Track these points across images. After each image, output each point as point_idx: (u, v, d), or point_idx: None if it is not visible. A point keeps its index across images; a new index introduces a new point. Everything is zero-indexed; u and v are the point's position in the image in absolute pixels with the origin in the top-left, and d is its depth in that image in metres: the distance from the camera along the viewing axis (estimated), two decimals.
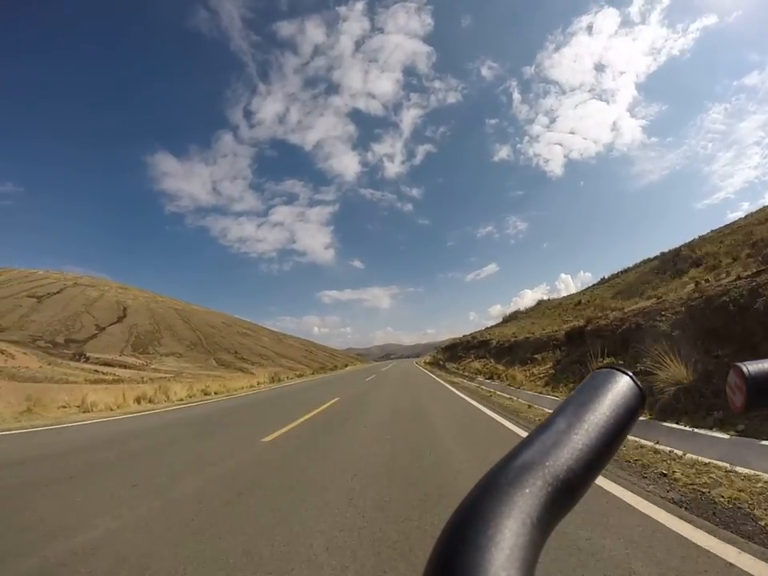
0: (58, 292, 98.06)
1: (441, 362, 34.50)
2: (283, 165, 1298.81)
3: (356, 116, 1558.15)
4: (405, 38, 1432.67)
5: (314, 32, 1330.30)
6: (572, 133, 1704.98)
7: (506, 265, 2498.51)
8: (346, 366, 59.28)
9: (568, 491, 0.34)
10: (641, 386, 0.42)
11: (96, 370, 36.58)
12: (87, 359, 55.23)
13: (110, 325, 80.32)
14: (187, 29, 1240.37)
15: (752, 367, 0.49)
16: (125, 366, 50.04)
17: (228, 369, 53.58)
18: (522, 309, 44.60)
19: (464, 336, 44.90)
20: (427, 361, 54.97)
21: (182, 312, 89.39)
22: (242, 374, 50.13)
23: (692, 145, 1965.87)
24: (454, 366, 26.20)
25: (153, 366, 52.37)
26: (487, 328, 46.74)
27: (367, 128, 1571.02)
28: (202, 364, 55.44)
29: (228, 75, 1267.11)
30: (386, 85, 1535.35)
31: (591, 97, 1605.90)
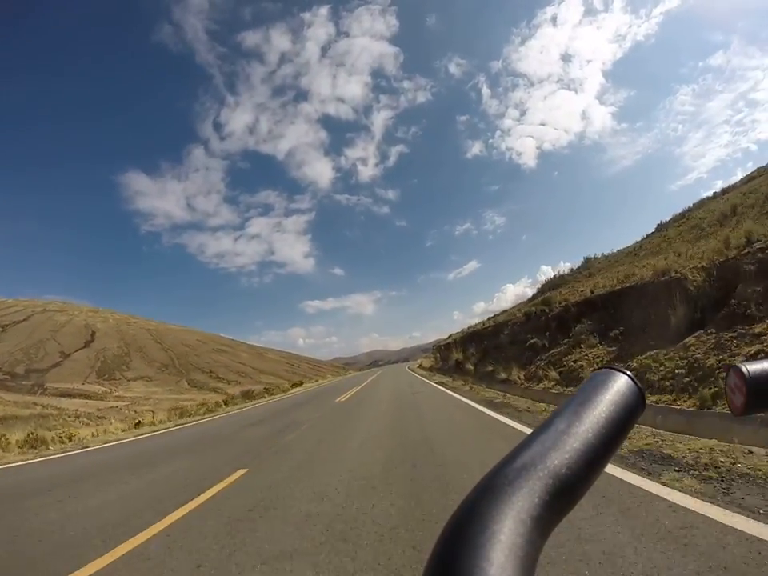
0: (24, 320, 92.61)
1: (450, 368, 24.23)
2: (256, 176, 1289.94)
3: (327, 121, 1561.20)
4: (371, 41, 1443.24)
5: (279, 40, 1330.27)
6: (543, 124, 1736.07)
7: (486, 261, 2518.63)
8: (318, 379, 55.44)
9: (568, 491, 0.33)
10: (640, 385, 0.41)
11: (35, 403, 32.22)
12: (45, 390, 50.72)
13: (76, 351, 75.30)
14: (152, 44, 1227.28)
15: (752, 368, 0.49)
16: (85, 396, 45.64)
17: (201, 390, 49.40)
18: (564, 272, 31.20)
19: (486, 321, 31.78)
20: (423, 365, 45.11)
21: (155, 332, 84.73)
22: (214, 395, 46.07)
23: (662, 128, 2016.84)
24: (502, 377, 14.10)
25: (116, 394, 47.94)
26: (527, 301, 30.45)
27: (339, 133, 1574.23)
28: (172, 387, 51.20)
29: (195, 88, 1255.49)
30: (354, 88, 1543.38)
31: (559, 87, 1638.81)
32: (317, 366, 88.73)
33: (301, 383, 45.13)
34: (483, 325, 28.29)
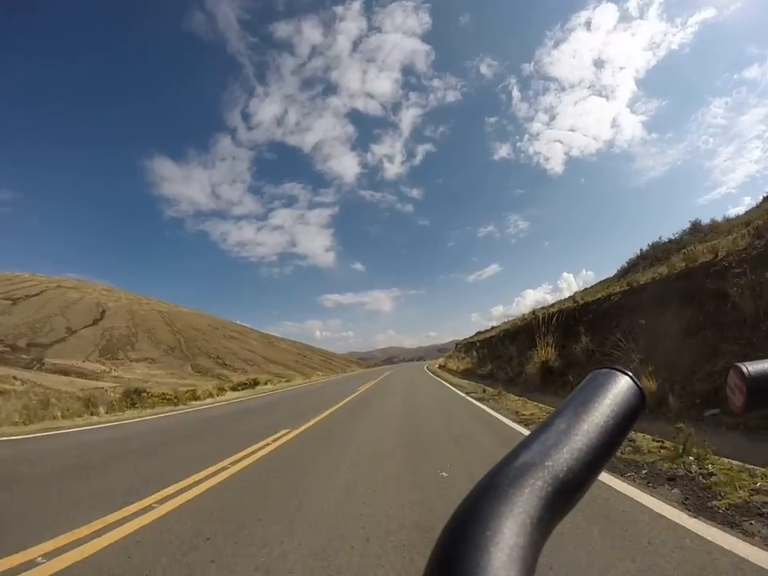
0: (36, 294, 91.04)
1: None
2: (282, 167, 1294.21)
3: (355, 116, 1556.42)
4: (403, 37, 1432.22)
5: (310, 32, 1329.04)
6: (572, 130, 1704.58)
7: (507, 265, 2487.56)
8: (321, 374, 51.56)
9: (568, 491, 0.33)
10: (641, 385, 0.41)
11: (15, 378, 28.93)
12: (42, 365, 48.03)
13: (83, 328, 72.98)
14: (184, 32, 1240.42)
15: (752, 368, 0.48)
16: (81, 374, 42.67)
17: (204, 376, 45.98)
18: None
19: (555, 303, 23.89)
20: (448, 366, 35.61)
21: (166, 314, 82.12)
22: (217, 381, 42.60)
23: (693, 140, 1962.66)
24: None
25: (114, 374, 44.84)
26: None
27: (366, 128, 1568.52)
28: (175, 371, 47.90)
29: (225, 77, 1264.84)
30: (384, 84, 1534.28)
31: (591, 93, 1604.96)
32: (329, 359, 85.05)
33: (287, 380, 42.03)
34: (576, 301, 16.41)
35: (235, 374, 49.12)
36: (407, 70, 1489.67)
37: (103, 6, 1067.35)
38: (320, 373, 53.53)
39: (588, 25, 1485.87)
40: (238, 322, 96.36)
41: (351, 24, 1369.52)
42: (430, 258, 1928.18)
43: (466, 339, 46.74)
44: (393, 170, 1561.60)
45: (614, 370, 0.42)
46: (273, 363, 60.46)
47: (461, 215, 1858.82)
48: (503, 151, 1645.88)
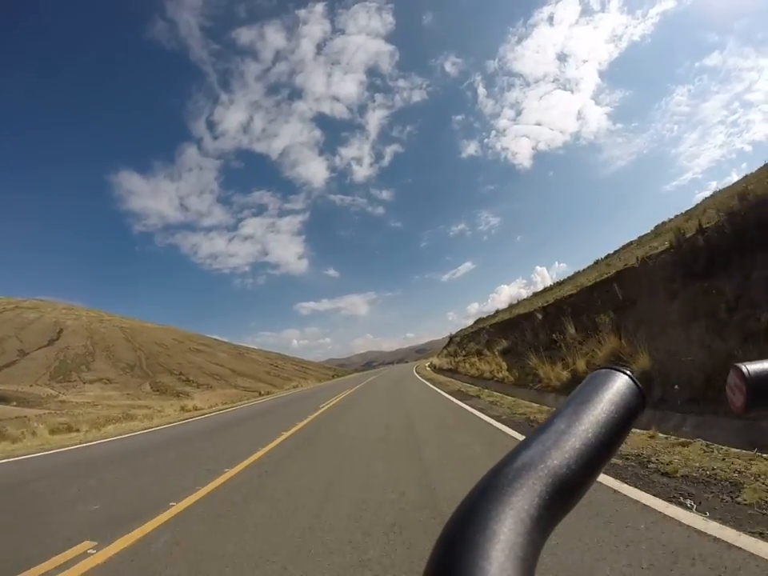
0: None
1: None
2: (250, 175, 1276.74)
3: (321, 120, 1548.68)
4: (367, 38, 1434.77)
5: (274, 37, 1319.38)
6: (538, 124, 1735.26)
7: (481, 262, 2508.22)
8: (296, 385, 48.49)
9: (568, 491, 0.33)
10: (640, 385, 0.41)
11: None
12: None
13: (37, 349, 68.16)
14: (145, 41, 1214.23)
15: (752, 367, 0.49)
16: (23, 401, 38.70)
17: (164, 395, 42.45)
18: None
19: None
20: (442, 366, 29.51)
21: (128, 330, 77.67)
22: (176, 401, 39.22)
23: (658, 128, 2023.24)
24: None
25: (61, 398, 40.90)
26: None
27: (333, 132, 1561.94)
28: (132, 391, 44.21)
29: (188, 86, 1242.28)
30: (349, 87, 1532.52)
31: (555, 87, 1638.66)
32: (304, 368, 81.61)
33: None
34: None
35: (198, 391, 45.69)
36: (372, 72, 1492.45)
37: (61, 17, 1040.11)
38: (293, 384, 50.39)
39: (551, 20, 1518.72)
40: (206, 335, 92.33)
41: (314, 27, 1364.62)
42: (404, 260, 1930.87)
43: (462, 331, 38.19)
44: (362, 172, 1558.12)
45: (613, 370, 0.42)
46: (241, 376, 57.04)
47: (432, 215, 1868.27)
48: (471, 149, 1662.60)
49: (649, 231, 21.22)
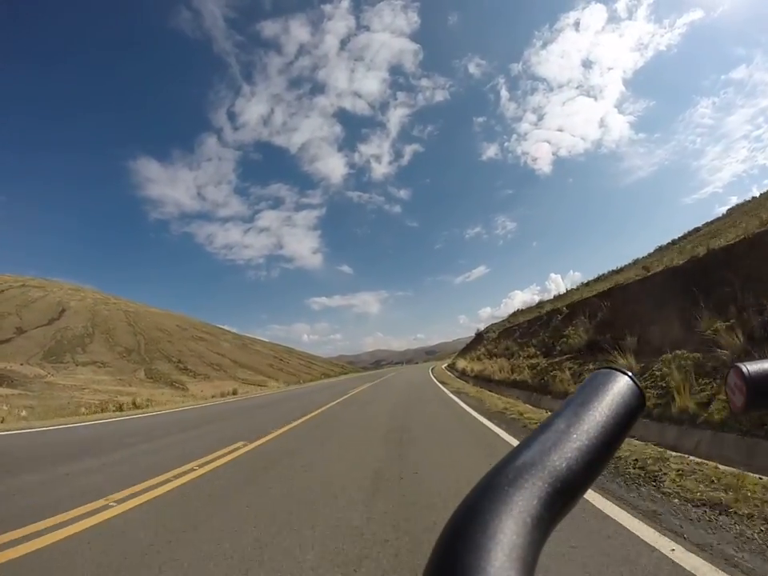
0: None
1: None
2: (268, 168, 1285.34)
3: (342, 116, 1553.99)
4: (391, 36, 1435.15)
5: (298, 31, 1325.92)
6: (560, 130, 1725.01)
7: (495, 266, 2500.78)
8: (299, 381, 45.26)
9: (568, 491, 0.33)
10: (640, 385, 0.42)
11: None
12: None
13: (36, 328, 65.89)
14: (169, 30, 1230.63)
15: (752, 367, 0.48)
16: (5, 378, 36.07)
17: (157, 382, 39.50)
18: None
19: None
20: (481, 372, 22.03)
21: (132, 314, 75.34)
22: (170, 390, 36.24)
23: (680, 140, 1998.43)
24: None
25: (48, 380, 38.14)
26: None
27: (353, 128, 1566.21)
28: (125, 376, 41.36)
29: (211, 77, 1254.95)
30: (372, 84, 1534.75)
31: (579, 93, 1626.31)
32: (310, 363, 78.41)
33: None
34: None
35: (194, 381, 42.69)
36: (395, 70, 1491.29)
37: (85, 6, 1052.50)
38: (275, 384, 47.17)
39: (577, 25, 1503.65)
40: (212, 324, 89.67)
41: (339, 23, 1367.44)
42: (418, 260, 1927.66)
43: (495, 326, 31.70)
44: (380, 170, 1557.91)
45: (613, 371, 0.42)
46: (242, 368, 54.01)
47: (448, 216, 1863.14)
48: (491, 151, 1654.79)
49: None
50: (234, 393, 24.17)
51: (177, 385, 38.81)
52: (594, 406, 0.38)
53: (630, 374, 0.42)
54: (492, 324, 34.98)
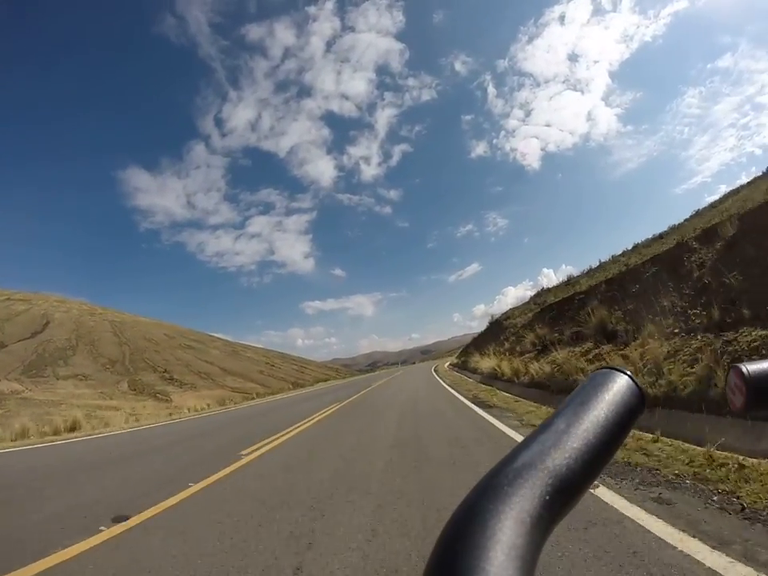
0: None
1: None
2: (257, 173, 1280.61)
3: (330, 119, 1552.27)
4: (376, 36, 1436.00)
5: (283, 34, 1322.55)
6: (548, 125, 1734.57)
7: (488, 263, 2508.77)
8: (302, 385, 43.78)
9: (568, 491, 0.33)
10: (640, 385, 0.41)
11: None
12: None
13: (18, 341, 63.93)
14: (154, 36, 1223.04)
15: (752, 367, 0.48)
16: None
17: (140, 394, 37.79)
18: None
19: None
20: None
21: (118, 324, 73.29)
22: (153, 402, 34.58)
23: (668, 130, 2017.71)
24: None
25: (25, 395, 36.30)
26: None
27: (342, 131, 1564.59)
28: (107, 389, 39.57)
29: (197, 83, 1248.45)
30: (359, 85, 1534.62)
31: (565, 88, 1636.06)
32: (303, 367, 76.71)
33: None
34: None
35: (180, 391, 40.99)
36: (382, 70, 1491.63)
37: (70, 12, 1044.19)
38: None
39: (562, 19, 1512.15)
40: (202, 331, 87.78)
41: (324, 24, 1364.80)
42: (411, 260, 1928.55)
43: (518, 313, 25.87)
44: (369, 171, 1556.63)
45: (613, 370, 0.42)
46: (231, 375, 52.32)
47: (440, 215, 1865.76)
48: (480, 149, 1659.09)
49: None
50: (198, 410, 21.51)
51: (160, 396, 37.11)
52: (593, 406, 0.38)
53: (629, 373, 0.42)
54: (512, 309, 31.22)
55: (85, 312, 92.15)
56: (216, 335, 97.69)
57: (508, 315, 29.12)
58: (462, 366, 30.82)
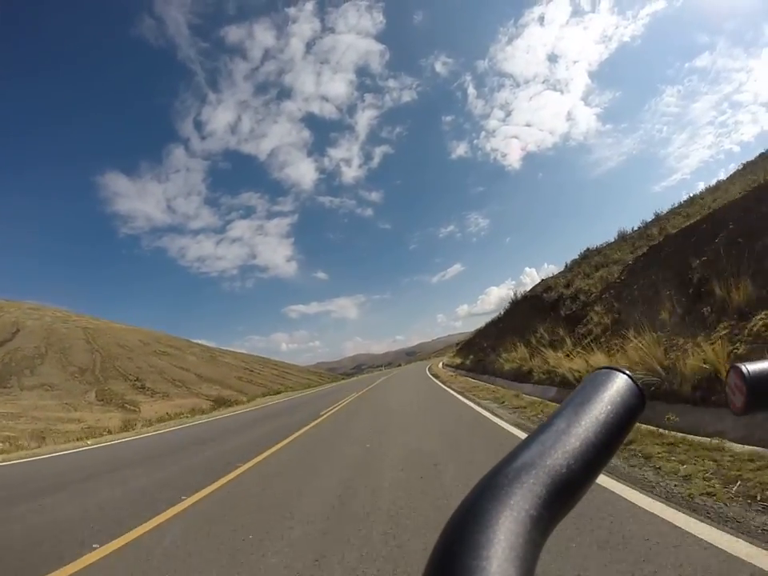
0: None
1: None
2: (238, 177, 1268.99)
3: (310, 121, 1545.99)
4: (357, 38, 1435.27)
5: (263, 35, 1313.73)
6: (528, 125, 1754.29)
7: (470, 263, 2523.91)
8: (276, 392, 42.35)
9: (568, 491, 0.33)
10: (640, 385, 0.41)
11: None
12: None
13: None
14: (132, 39, 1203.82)
15: (752, 368, 0.48)
16: None
17: (108, 405, 36.12)
18: None
19: None
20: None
21: (91, 331, 70.90)
22: (120, 413, 32.93)
23: (647, 129, 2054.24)
24: None
25: None
26: None
27: (322, 133, 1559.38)
28: (73, 399, 37.79)
29: (176, 85, 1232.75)
30: (339, 86, 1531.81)
31: (545, 88, 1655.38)
32: (284, 372, 75.17)
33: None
34: None
35: (151, 400, 39.34)
36: (362, 71, 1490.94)
37: (45, 13, 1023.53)
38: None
39: (541, 20, 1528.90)
40: (179, 337, 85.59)
41: (304, 25, 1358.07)
42: (394, 262, 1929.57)
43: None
44: (351, 173, 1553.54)
45: (613, 370, 0.42)
46: (208, 382, 50.71)
47: (421, 216, 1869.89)
48: (461, 150, 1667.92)
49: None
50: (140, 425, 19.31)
51: (129, 406, 35.48)
52: (593, 406, 0.38)
53: (629, 373, 0.42)
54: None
55: (58, 319, 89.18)
56: (199, 342, 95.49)
57: (551, 281, 19.39)
58: (472, 368, 23.10)
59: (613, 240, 19.45)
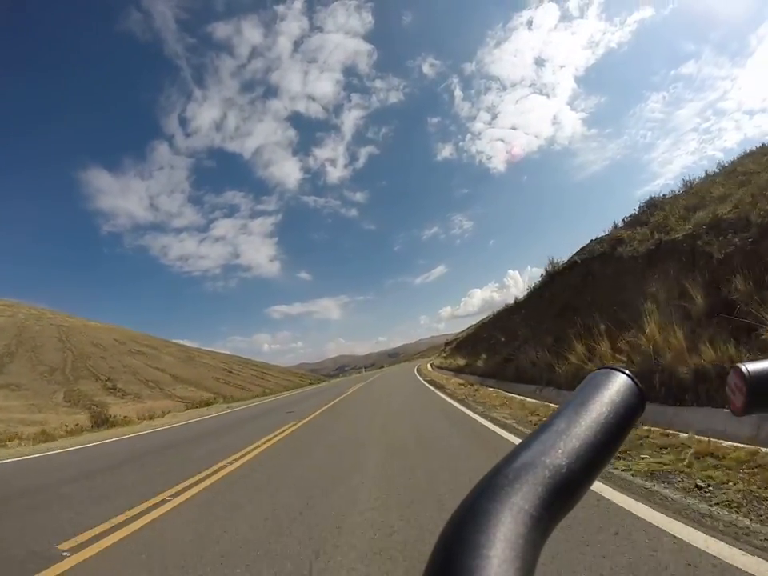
0: None
1: None
2: (222, 175, 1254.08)
3: (296, 120, 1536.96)
4: (344, 37, 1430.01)
5: (251, 33, 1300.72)
6: (514, 128, 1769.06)
7: (454, 265, 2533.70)
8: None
9: (568, 491, 0.33)
10: (640, 385, 0.41)
11: None
12: None
13: None
14: (118, 32, 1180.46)
15: (752, 367, 0.48)
16: None
17: (74, 407, 34.93)
18: None
19: None
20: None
21: (65, 329, 69.07)
22: (88, 416, 31.84)
23: (632, 134, 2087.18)
24: None
25: None
26: None
27: (308, 132, 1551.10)
28: (40, 401, 36.48)
29: (161, 81, 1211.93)
30: (326, 86, 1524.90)
31: (532, 92, 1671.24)
32: (264, 373, 73.91)
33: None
34: None
35: (122, 402, 38.17)
36: (349, 71, 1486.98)
37: (30, 8, 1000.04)
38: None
39: (530, 24, 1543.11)
40: (155, 336, 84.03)
41: (292, 24, 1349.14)
42: (377, 263, 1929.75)
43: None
44: (335, 174, 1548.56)
45: (613, 370, 0.42)
46: (183, 383, 49.54)
47: (406, 218, 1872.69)
48: (446, 151, 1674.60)
49: None
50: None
51: (99, 408, 34.24)
52: (593, 406, 0.38)
53: (629, 372, 0.42)
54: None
55: (32, 316, 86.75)
56: (180, 342, 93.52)
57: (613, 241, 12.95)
58: (491, 372, 17.48)
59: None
